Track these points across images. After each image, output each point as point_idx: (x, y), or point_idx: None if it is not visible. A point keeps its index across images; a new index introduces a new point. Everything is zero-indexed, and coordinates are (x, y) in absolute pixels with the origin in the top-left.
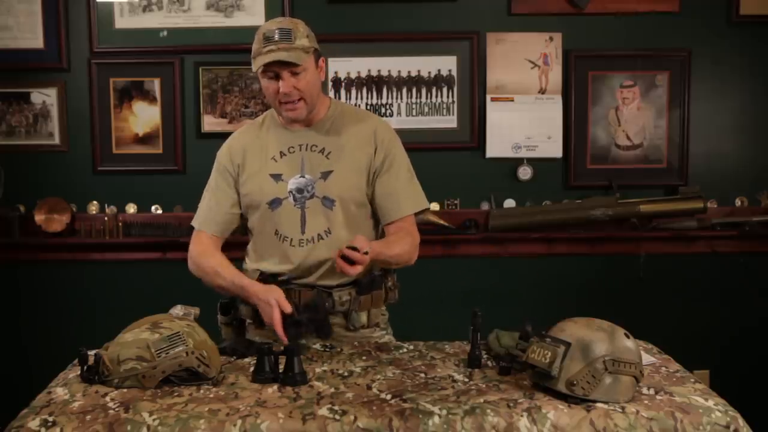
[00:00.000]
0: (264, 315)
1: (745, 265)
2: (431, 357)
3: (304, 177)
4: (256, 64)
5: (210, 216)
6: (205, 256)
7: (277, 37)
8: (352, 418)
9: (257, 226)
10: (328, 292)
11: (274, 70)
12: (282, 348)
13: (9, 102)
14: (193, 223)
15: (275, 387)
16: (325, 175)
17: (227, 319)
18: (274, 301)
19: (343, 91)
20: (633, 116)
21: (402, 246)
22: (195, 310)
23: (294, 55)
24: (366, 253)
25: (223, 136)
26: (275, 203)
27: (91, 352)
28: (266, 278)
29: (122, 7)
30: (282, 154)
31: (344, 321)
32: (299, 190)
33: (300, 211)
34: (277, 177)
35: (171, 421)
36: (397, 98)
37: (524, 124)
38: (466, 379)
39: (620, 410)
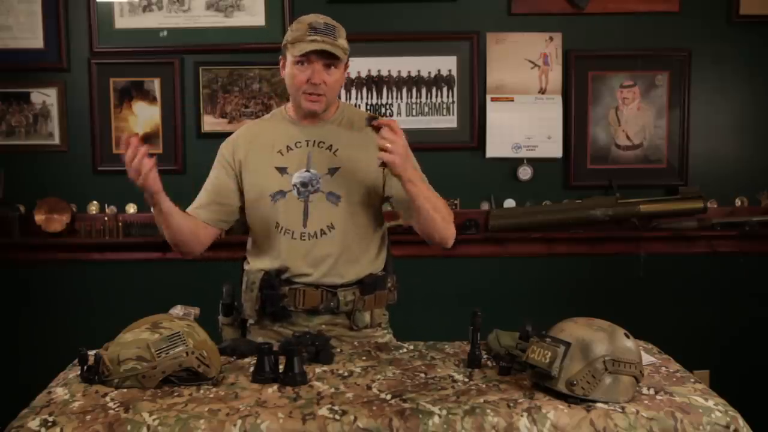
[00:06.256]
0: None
1: (744, 264)
2: (431, 357)
3: (309, 172)
4: (298, 49)
5: (203, 202)
6: None
7: (323, 29)
8: (352, 418)
9: (258, 221)
10: (333, 292)
11: (312, 60)
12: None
13: (9, 102)
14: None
15: (275, 387)
16: (332, 171)
17: (229, 320)
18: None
19: (343, 91)
20: (633, 116)
21: (443, 203)
22: (195, 310)
23: (337, 50)
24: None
25: (224, 135)
26: (278, 195)
27: (91, 352)
28: (270, 276)
29: (122, 7)
30: (288, 148)
31: (348, 321)
32: (304, 184)
33: (303, 204)
34: (282, 170)
35: (171, 421)
36: (397, 98)
37: (524, 124)
38: (466, 379)
39: (620, 410)
